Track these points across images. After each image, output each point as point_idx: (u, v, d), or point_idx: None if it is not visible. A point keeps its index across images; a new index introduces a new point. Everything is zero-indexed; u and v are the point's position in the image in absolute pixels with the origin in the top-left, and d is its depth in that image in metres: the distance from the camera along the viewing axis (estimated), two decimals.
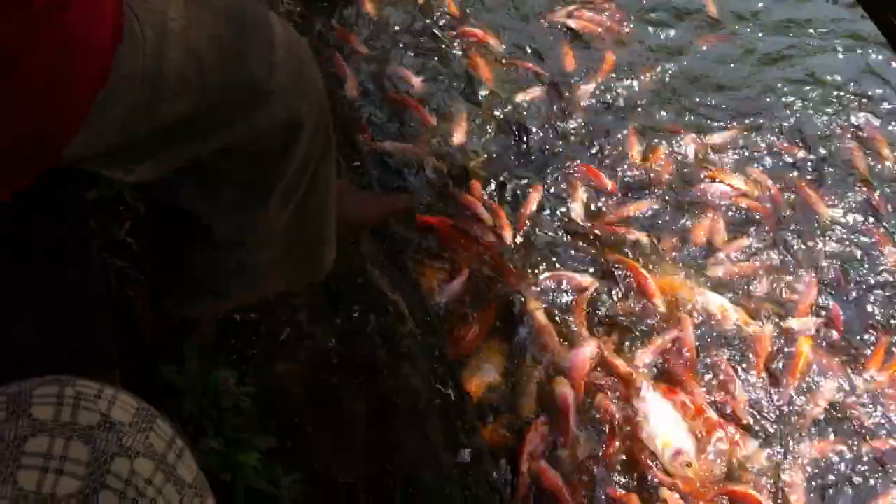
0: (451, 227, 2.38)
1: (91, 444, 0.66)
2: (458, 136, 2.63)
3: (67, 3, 0.83)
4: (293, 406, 1.52)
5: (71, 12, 0.84)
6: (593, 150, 2.66)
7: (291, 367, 1.57)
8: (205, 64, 0.96)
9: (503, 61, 2.90)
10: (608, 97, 2.81)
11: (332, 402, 1.60)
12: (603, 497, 1.94)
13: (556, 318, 2.23)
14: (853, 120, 2.80)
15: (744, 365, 2.19)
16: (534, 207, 2.48)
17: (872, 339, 2.28)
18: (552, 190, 2.54)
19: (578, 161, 2.61)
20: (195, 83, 0.96)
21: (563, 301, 2.28)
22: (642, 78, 2.88)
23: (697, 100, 2.84)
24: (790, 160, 2.70)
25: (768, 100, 2.85)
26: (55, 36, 0.83)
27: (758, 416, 2.10)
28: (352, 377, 1.66)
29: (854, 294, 2.37)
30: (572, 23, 3.02)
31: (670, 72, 2.91)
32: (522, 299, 2.24)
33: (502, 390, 2.09)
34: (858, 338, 2.29)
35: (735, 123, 2.77)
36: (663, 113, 2.80)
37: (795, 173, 2.66)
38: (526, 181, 2.55)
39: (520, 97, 2.77)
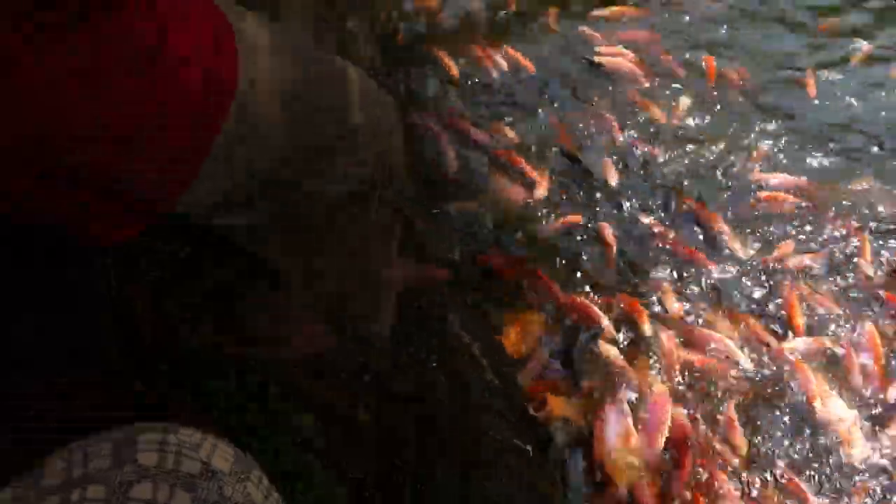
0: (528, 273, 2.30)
1: (194, 492, 0.67)
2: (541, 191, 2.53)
3: (191, 58, 0.89)
4: (365, 451, 1.51)
5: (194, 67, 0.89)
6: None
7: (363, 415, 1.55)
8: (294, 114, 1.01)
9: None
10: None
11: (406, 448, 1.58)
12: None
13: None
14: None
15: None
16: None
17: None
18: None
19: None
20: (287, 133, 1.01)
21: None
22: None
23: None
24: None
25: None
26: (178, 89, 0.87)
27: None
28: (427, 426, 1.64)
29: None
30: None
31: None
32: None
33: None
34: None
35: None
36: None
37: None
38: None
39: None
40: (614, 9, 3.12)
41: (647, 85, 2.83)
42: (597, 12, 3.10)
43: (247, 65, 0.96)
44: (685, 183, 2.54)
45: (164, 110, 0.87)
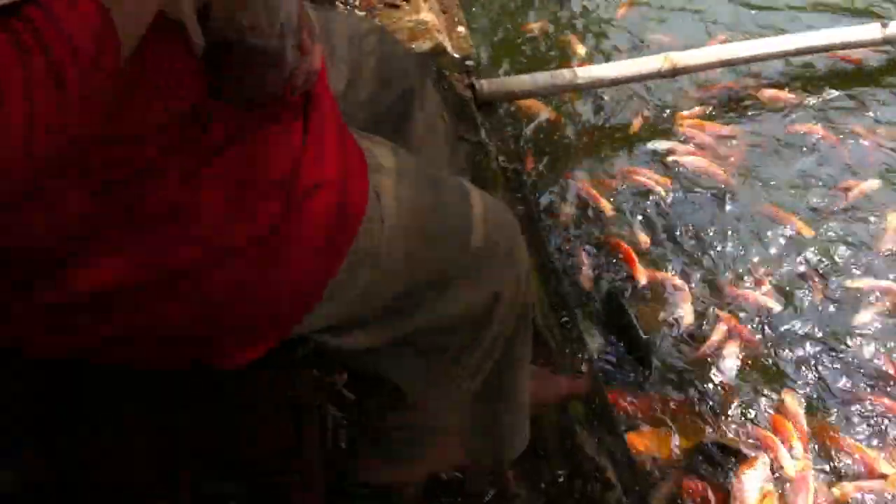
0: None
1: None
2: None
3: (324, 183, 0.93)
4: None
5: (324, 195, 0.93)
6: None
7: None
8: (416, 240, 1.03)
9: None
10: None
11: None
12: None
13: None
14: None
15: None
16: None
17: None
18: None
19: None
20: (408, 259, 1.02)
21: None
22: None
23: None
24: None
25: None
26: (307, 217, 0.91)
27: None
28: None
29: None
30: None
31: None
32: None
33: None
34: None
35: None
36: None
37: None
38: None
39: None
40: None
41: None
42: None
43: (375, 192, 0.99)
44: None
45: (292, 236, 0.90)
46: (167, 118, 0.83)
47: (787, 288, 2.39)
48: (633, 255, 2.42)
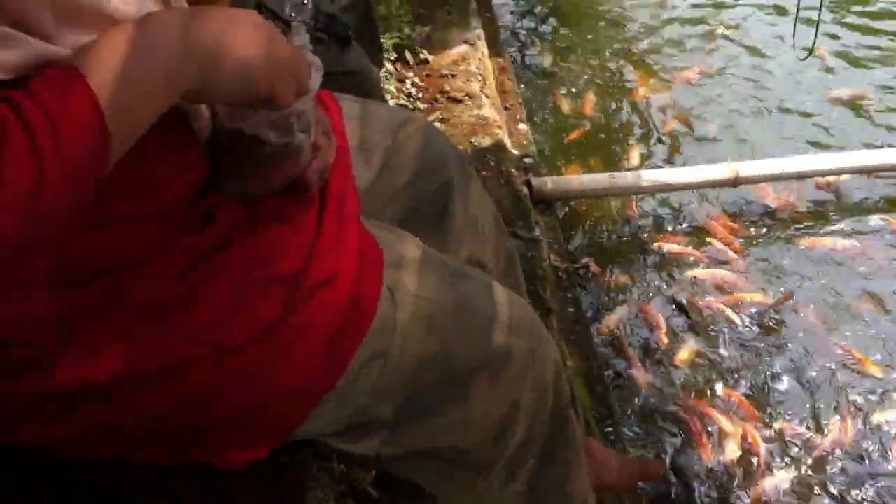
0: None
1: None
2: None
3: (332, 280, 0.90)
4: None
5: (334, 289, 0.90)
6: None
7: None
8: (431, 340, 1.00)
9: None
10: None
11: None
12: None
13: None
14: None
15: None
16: None
17: None
18: None
19: None
20: (421, 359, 0.99)
21: None
22: None
23: None
24: None
25: None
26: (315, 312, 0.88)
27: None
28: None
29: None
30: None
31: None
32: None
33: None
34: None
35: None
36: None
37: None
38: None
39: None
40: None
41: None
42: None
43: (389, 289, 0.97)
44: None
45: (295, 335, 0.88)
46: (166, 206, 0.81)
47: None
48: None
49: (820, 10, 2.26)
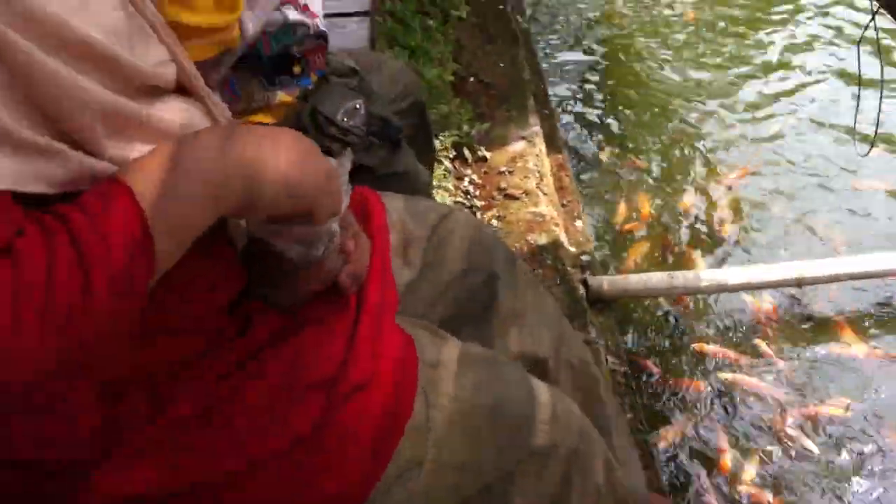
0: None
1: None
2: None
3: (367, 385, 0.90)
4: None
5: (369, 394, 0.90)
6: None
7: None
8: (467, 444, 0.98)
9: None
10: None
11: None
12: None
13: None
14: None
15: None
16: None
17: None
18: None
19: None
20: (457, 465, 0.97)
21: None
22: None
23: None
24: None
25: None
26: (349, 417, 0.88)
27: None
28: None
29: None
30: None
31: None
32: None
33: None
34: None
35: None
36: None
37: None
38: None
39: None
40: None
41: None
42: None
43: (424, 393, 0.96)
44: None
45: (330, 443, 0.87)
46: (203, 317, 0.81)
47: None
48: None
49: (880, 104, 2.22)
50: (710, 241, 3.04)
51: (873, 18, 2.04)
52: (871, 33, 2.14)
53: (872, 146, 2.31)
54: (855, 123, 2.30)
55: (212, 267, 0.82)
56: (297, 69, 1.45)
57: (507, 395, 1.04)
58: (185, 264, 0.73)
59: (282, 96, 1.44)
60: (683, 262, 2.92)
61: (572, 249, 2.73)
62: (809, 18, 4.26)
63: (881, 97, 2.22)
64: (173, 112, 0.79)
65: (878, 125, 2.21)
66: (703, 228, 3.10)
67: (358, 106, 1.54)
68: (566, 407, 1.12)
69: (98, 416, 0.75)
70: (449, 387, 0.98)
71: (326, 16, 2.29)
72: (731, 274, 2.63)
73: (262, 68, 1.40)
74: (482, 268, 1.25)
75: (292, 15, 1.40)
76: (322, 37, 1.49)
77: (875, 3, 2.00)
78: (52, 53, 0.66)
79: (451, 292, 1.22)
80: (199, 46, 1.20)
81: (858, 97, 2.32)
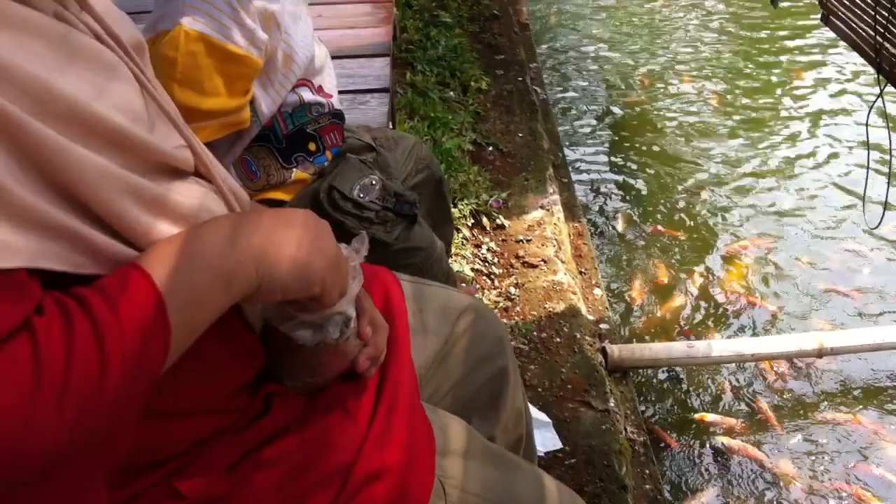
0: None
1: None
2: None
3: (384, 472, 0.90)
4: None
5: (385, 482, 0.90)
6: None
7: None
8: None
9: None
10: None
11: None
12: None
13: None
14: None
15: None
16: None
17: None
18: None
19: None
20: None
21: None
22: None
23: None
24: None
25: None
26: None
27: None
28: None
29: None
30: None
31: None
32: None
33: None
34: None
35: None
36: None
37: None
38: None
39: None
40: None
41: None
42: None
43: (440, 481, 0.96)
44: None
45: None
46: (220, 399, 0.82)
47: None
48: None
49: (889, 179, 2.23)
50: (727, 310, 3.03)
51: (881, 95, 2.06)
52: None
53: (882, 219, 2.31)
54: (864, 200, 2.31)
55: (228, 348, 0.84)
56: (312, 147, 1.49)
57: (516, 489, 1.04)
58: (201, 346, 0.74)
59: (298, 173, 1.48)
60: (702, 331, 2.91)
61: (590, 317, 2.72)
62: (832, 96, 4.30)
63: (889, 171, 2.23)
64: (192, 194, 0.82)
65: (886, 199, 2.22)
66: (721, 297, 3.09)
67: (374, 182, 1.57)
68: (573, 498, 1.11)
69: (110, 497, 0.76)
70: (459, 476, 0.98)
71: (349, 92, 2.37)
72: (750, 344, 2.62)
73: (279, 147, 1.44)
74: (493, 362, 1.26)
75: (308, 96, 1.44)
76: (337, 115, 1.54)
77: (882, 80, 2.03)
78: (77, 138, 0.68)
79: (463, 386, 1.23)
80: (209, 128, 1.25)
81: (867, 174, 2.33)
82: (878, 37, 2.07)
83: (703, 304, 3.07)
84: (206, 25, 1.21)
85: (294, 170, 1.47)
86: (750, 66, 4.58)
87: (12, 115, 0.63)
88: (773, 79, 4.47)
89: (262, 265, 0.75)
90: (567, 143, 3.96)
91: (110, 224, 0.71)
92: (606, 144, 4.01)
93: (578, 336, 2.56)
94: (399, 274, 1.24)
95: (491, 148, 3.42)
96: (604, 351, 2.57)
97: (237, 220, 0.78)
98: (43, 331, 0.61)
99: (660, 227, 3.44)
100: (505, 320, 2.57)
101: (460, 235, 2.87)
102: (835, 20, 2.34)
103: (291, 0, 1.39)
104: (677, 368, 2.71)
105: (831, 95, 4.28)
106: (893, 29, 2.04)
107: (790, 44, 4.82)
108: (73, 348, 0.62)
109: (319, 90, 1.48)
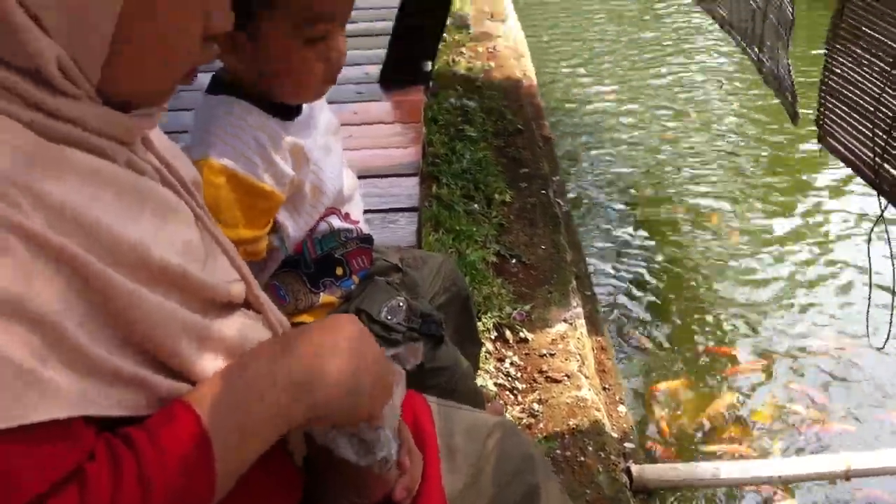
0: None
1: None
2: None
3: None
4: None
5: None
6: None
7: None
8: None
9: None
10: None
11: None
12: None
13: None
14: None
15: None
16: None
17: None
18: None
19: None
20: None
21: None
22: None
23: None
24: None
25: None
26: None
27: None
28: None
29: None
30: None
31: None
32: None
33: None
34: None
35: None
36: None
37: None
38: None
39: None
40: None
41: None
42: None
43: None
44: None
45: None
46: None
47: None
48: None
49: (893, 302, 2.23)
50: (754, 430, 2.98)
51: (881, 217, 2.09)
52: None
53: (887, 340, 2.31)
54: (868, 323, 2.31)
55: (269, 479, 0.84)
56: (339, 271, 1.52)
57: None
58: (247, 479, 0.75)
59: (325, 297, 1.51)
60: (728, 452, 2.86)
61: (615, 435, 2.69)
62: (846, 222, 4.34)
63: (893, 294, 2.24)
64: (241, 326, 0.84)
65: (890, 325, 2.22)
66: (747, 417, 3.05)
67: (401, 304, 1.59)
68: None
69: None
70: None
71: (378, 212, 2.43)
72: (776, 465, 2.57)
73: (307, 272, 1.47)
74: (523, 481, 1.26)
75: (337, 223, 1.48)
76: (366, 240, 1.58)
77: (883, 202, 2.06)
78: (143, 283, 0.71)
79: (495, 502, 1.22)
80: None
81: (870, 297, 2.36)
82: (876, 157, 2.10)
83: (730, 424, 3.02)
84: (230, 159, 1.26)
85: (321, 294, 1.50)
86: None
87: (87, 265, 0.66)
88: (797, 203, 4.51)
89: (308, 398, 0.77)
90: (590, 257, 3.99)
91: (165, 363, 0.73)
92: (630, 259, 4.03)
93: (603, 455, 2.52)
94: (427, 396, 1.24)
95: (514, 260, 3.45)
96: (629, 471, 2.53)
97: (281, 349, 0.79)
98: (93, 478, 0.63)
99: (685, 346, 3.42)
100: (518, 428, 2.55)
101: (483, 349, 2.87)
102: (832, 141, 2.38)
103: (323, 131, 1.44)
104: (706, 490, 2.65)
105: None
106: (891, 150, 2.07)
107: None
108: (118, 491, 0.64)
109: (346, 217, 1.52)
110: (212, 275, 0.82)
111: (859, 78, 2.19)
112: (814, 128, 2.49)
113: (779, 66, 3.11)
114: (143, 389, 0.71)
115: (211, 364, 0.77)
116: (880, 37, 2.06)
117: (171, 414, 0.70)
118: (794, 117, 3.03)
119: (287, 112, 1.35)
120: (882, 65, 2.05)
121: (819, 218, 4.31)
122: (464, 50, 5.68)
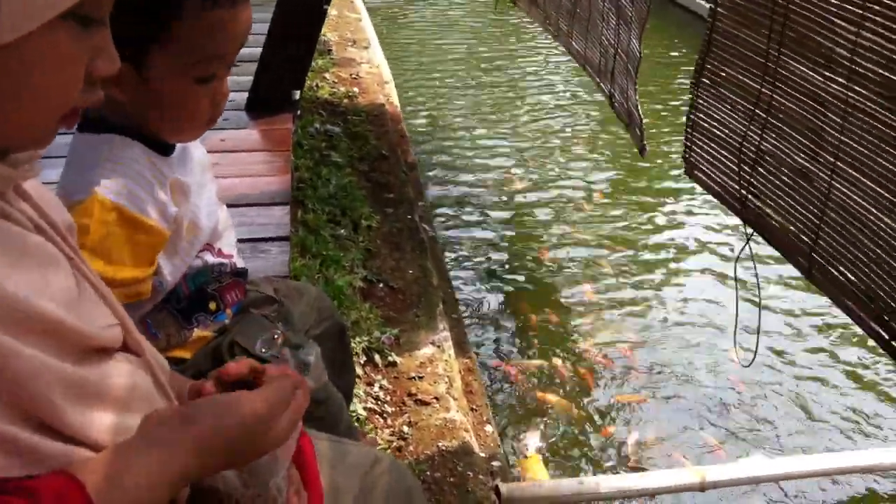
0: None
1: None
2: None
3: None
4: None
5: None
6: None
7: None
8: None
9: None
10: None
11: None
12: None
13: None
14: None
15: None
16: None
17: None
18: None
19: None
20: None
21: None
22: None
23: None
24: None
25: None
26: None
27: None
28: None
29: None
30: None
31: None
32: None
33: None
34: None
35: None
36: None
37: None
38: None
39: None
40: None
41: None
42: None
43: None
44: None
45: None
46: None
47: None
48: None
49: (759, 322, 2.42)
50: (619, 445, 3.13)
51: (747, 244, 2.26)
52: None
53: (755, 357, 2.49)
54: (735, 343, 2.50)
55: None
56: (213, 306, 1.51)
57: None
58: None
59: (198, 332, 1.50)
60: (593, 465, 2.99)
61: (482, 455, 2.76)
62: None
63: (759, 316, 2.44)
64: (121, 372, 0.83)
65: (757, 343, 2.40)
66: (610, 432, 3.20)
67: (275, 336, 1.60)
68: None
69: None
70: None
71: (249, 241, 2.41)
72: (637, 479, 2.71)
73: (178, 307, 1.46)
74: None
75: (210, 259, 1.48)
76: (240, 273, 1.58)
77: (748, 230, 2.23)
78: (14, 334, 0.69)
79: None
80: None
81: (737, 317, 2.56)
82: (742, 190, 2.27)
83: (593, 440, 3.17)
84: (119, 196, 1.24)
85: (195, 329, 1.49)
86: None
87: None
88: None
89: (200, 474, 0.78)
90: (455, 281, 4.09)
91: (39, 419, 0.72)
92: (494, 281, 4.15)
93: (472, 475, 2.59)
94: (314, 431, 1.26)
95: (382, 285, 3.49)
96: (497, 490, 2.60)
97: (179, 425, 0.79)
98: None
99: (545, 365, 3.55)
100: (399, 460, 2.59)
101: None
102: (698, 174, 2.55)
103: (198, 167, 1.44)
104: None
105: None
106: (755, 183, 2.24)
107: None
108: None
109: (219, 252, 1.52)
110: (89, 321, 0.80)
111: (724, 116, 2.34)
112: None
113: (628, 101, 3.30)
114: (18, 448, 0.69)
115: (97, 418, 0.76)
116: (742, 78, 2.22)
117: (59, 485, 0.68)
118: (641, 150, 3.22)
119: (164, 148, 1.34)
120: (745, 104, 2.21)
121: (689, 244, 4.58)
122: (327, 75, 5.70)
